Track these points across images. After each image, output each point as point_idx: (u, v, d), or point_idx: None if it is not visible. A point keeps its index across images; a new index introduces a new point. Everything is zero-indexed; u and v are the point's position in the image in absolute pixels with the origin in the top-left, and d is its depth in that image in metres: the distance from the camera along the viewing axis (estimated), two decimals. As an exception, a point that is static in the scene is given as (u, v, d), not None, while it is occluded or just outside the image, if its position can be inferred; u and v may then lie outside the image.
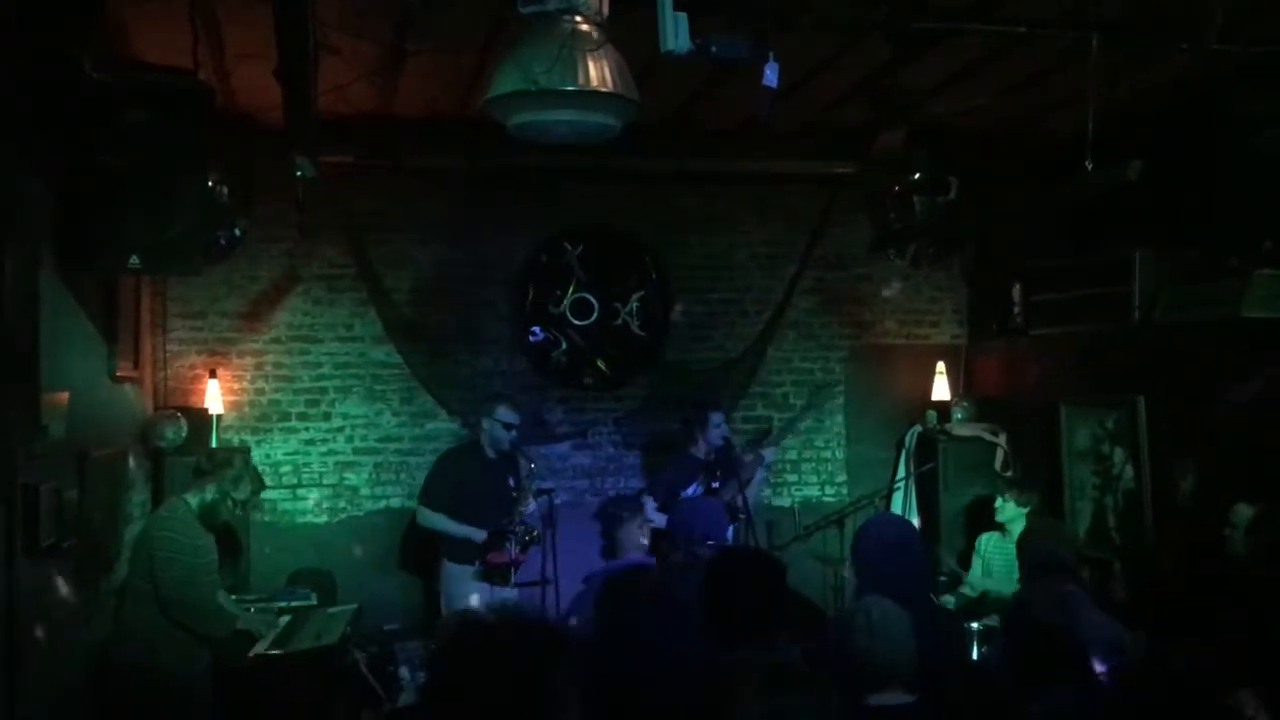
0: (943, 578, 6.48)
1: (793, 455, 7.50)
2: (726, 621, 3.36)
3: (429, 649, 5.23)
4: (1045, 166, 6.04)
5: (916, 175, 6.24)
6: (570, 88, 3.60)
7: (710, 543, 4.45)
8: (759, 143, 6.56)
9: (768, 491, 7.28)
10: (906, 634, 3.17)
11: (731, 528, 6.24)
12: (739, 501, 6.25)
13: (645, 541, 4.84)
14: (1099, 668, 3.51)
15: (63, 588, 4.46)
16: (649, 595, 4.21)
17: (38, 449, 3.98)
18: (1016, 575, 5.68)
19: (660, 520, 6.24)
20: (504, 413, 6.30)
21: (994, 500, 6.40)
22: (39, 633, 4.12)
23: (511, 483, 6.29)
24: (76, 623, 4.69)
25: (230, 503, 5.20)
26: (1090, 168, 4.77)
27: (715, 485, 6.43)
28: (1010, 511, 6.12)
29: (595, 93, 3.64)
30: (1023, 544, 4.34)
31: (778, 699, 2.06)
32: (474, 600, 5.97)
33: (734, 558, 3.81)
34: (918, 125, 5.92)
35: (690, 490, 6.46)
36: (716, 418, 6.52)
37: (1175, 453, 5.70)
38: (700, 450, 6.56)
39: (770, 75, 3.55)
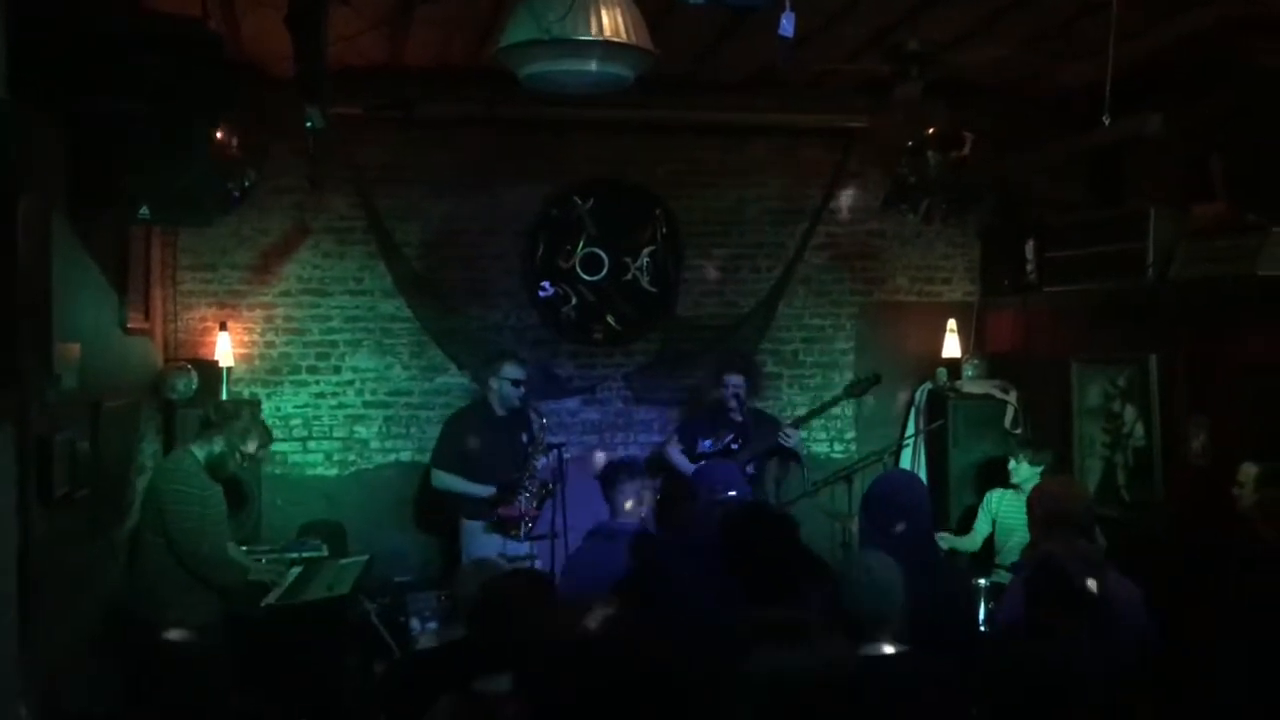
0: (948, 533, 6.50)
1: (801, 411, 7.47)
2: (743, 581, 3.38)
3: (444, 599, 5.27)
4: (1062, 121, 5.98)
5: (931, 130, 6.17)
6: (584, 37, 3.56)
7: (731, 493, 4.47)
8: (773, 95, 6.51)
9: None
10: (896, 587, 3.21)
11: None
12: (750, 469, 6.26)
13: (638, 506, 4.76)
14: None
15: (76, 537, 4.49)
16: (675, 538, 4.24)
17: (50, 399, 3.99)
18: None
19: (682, 464, 6.33)
20: (510, 369, 6.31)
21: (1004, 458, 6.39)
22: (52, 582, 4.14)
23: (525, 439, 6.31)
24: (90, 572, 4.73)
25: (238, 456, 5.22)
26: (1108, 122, 4.71)
27: (734, 447, 6.42)
28: (1025, 472, 6.07)
29: (609, 43, 3.60)
30: (1034, 500, 4.33)
31: (785, 655, 2.07)
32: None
33: (746, 517, 3.81)
34: (934, 78, 5.84)
35: (706, 445, 6.46)
36: (732, 380, 6.45)
37: (1187, 411, 5.68)
38: (731, 409, 6.48)
39: (786, 24, 3.50)
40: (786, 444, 6.47)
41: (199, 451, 5.08)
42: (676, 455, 6.45)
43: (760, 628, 2.14)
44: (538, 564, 5.89)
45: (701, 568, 3.59)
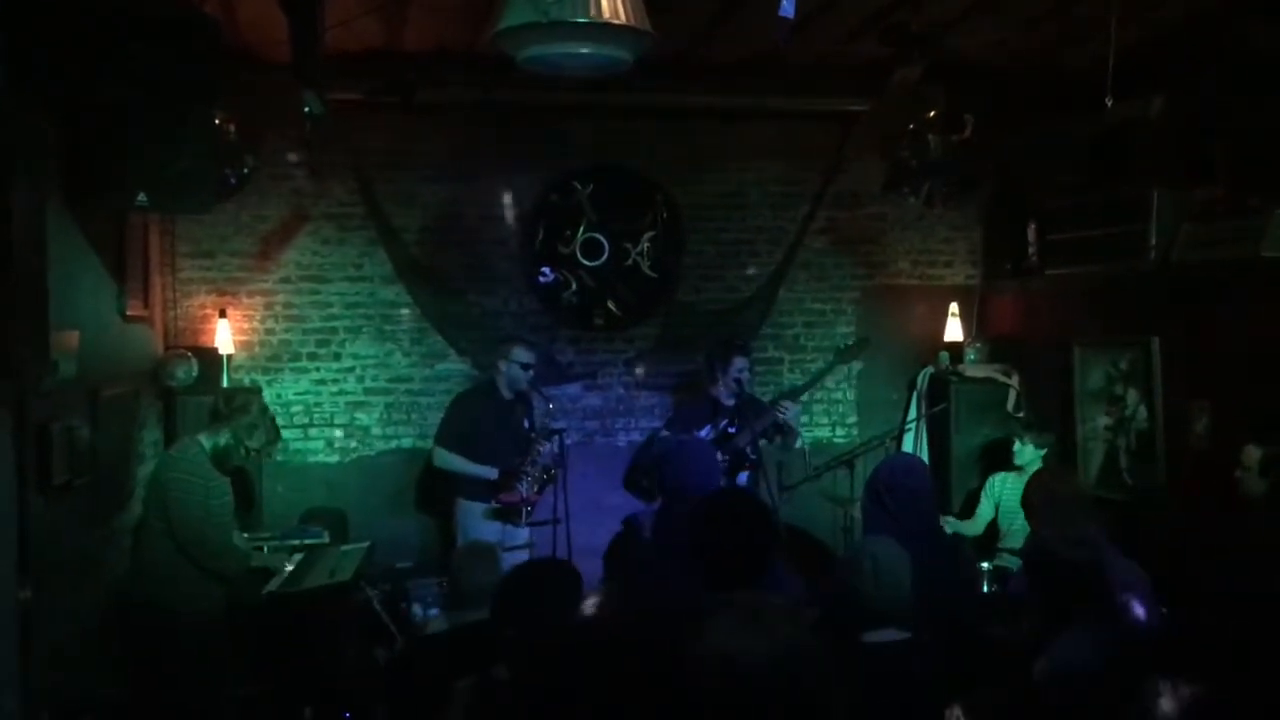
0: (952, 517, 6.50)
1: (803, 396, 7.46)
2: (713, 566, 3.37)
3: (443, 585, 5.28)
4: (1064, 104, 5.94)
5: (932, 113, 6.14)
6: (582, 20, 3.54)
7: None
8: (773, 78, 6.47)
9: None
10: (906, 575, 3.21)
11: (744, 475, 6.25)
12: (751, 454, 6.22)
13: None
14: (1139, 609, 3.55)
15: (76, 525, 4.48)
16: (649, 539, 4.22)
17: (48, 387, 3.98)
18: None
19: None
20: (520, 353, 6.30)
21: (1006, 441, 6.39)
22: (53, 570, 4.14)
23: (527, 423, 6.30)
24: (91, 560, 4.73)
25: (243, 450, 5.21)
26: (1110, 104, 4.68)
27: (731, 431, 6.38)
28: (1029, 454, 6.09)
29: (607, 25, 3.58)
30: (1030, 490, 4.33)
31: (737, 640, 2.06)
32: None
33: (718, 502, 3.78)
34: (935, 61, 5.81)
35: (704, 433, 6.42)
36: (740, 362, 6.40)
37: (1189, 394, 5.66)
38: (721, 392, 6.43)
39: (788, 5, 3.48)
40: (784, 416, 6.40)
41: (206, 441, 5.08)
42: None
43: (714, 609, 2.13)
44: (536, 551, 5.90)
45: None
